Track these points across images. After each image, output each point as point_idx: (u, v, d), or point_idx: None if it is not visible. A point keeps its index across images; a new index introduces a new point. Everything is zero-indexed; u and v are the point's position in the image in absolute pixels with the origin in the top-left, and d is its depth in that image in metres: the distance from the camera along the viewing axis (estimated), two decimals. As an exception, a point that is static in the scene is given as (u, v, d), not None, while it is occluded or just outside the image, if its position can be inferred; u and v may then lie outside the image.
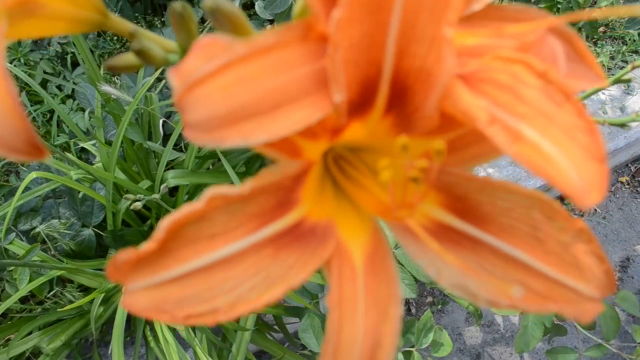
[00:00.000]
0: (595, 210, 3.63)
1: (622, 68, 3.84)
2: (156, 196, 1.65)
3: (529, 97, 0.38)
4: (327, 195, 0.49)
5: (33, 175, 2.26)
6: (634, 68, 1.23)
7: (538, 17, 0.48)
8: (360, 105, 0.40)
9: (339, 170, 0.51)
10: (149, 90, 2.59)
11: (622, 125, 1.17)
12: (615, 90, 3.72)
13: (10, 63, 3.13)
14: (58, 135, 3.05)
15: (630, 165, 3.80)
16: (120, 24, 0.56)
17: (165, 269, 0.38)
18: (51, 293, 2.36)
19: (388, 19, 0.36)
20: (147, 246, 0.37)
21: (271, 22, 3.24)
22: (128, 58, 0.51)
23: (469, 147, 0.46)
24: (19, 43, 3.22)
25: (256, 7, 3.14)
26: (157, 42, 0.55)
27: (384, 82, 0.39)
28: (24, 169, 2.86)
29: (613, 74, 3.88)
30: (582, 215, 3.56)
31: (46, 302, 2.47)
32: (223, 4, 0.42)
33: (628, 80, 1.25)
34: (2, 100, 0.40)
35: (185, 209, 0.37)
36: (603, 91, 3.66)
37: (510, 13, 0.50)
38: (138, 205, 1.60)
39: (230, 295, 0.38)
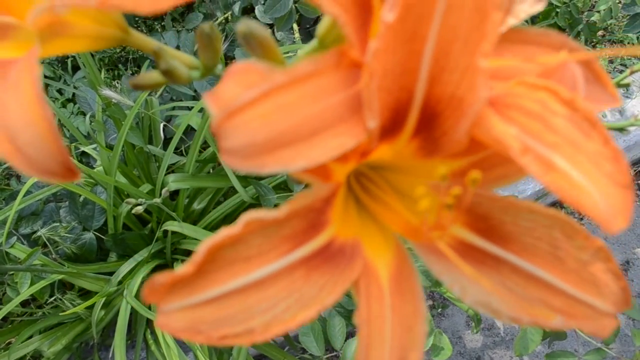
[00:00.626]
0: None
1: (621, 72, 3.87)
2: (157, 200, 1.66)
3: (557, 126, 0.39)
4: (351, 213, 0.51)
5: (34, 179, 2.26)
6: (632, 73, 1.24)
7: (560, 41, 0.50)
8: (390, 129, 0.41)
9: (362, 188, 0.52)
10: (149, 94, 2.59)
11: (621, 130, 1.18)
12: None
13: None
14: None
15: (630, 168, 3.82)
16: (143, 40, 0.56)
17: (202, 290, 0.39)
18: (52, 297, 2.36)
19: (422, 48, 0.37)
20: (184, 269, 0.38)
21: (271, 26, 3.25)
22: (153, 77, 0.52)
23: (494, 169, 0.47)
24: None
25: (256, 11, 3.15)
26: (179, 59, 0.56)
27: (415, 107, 0.40)
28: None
29: (612, 77, 3.90)
30: (582, 219, 3.58)
31: (46, 306, 2.46)
32: (256, 29, 0.43)
33: (627, 85, 1.27)
34: (38, 124, 0.41)
35: (223, 233, 0.38)
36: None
37: (531, 36, 0.51)
38: (139, 209, 1.60)
39: (266, 316, 0.39)
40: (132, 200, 1.54)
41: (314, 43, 0.52)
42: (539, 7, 0.49)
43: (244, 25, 0.43)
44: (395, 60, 0.37)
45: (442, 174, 0.42)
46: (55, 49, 0.53)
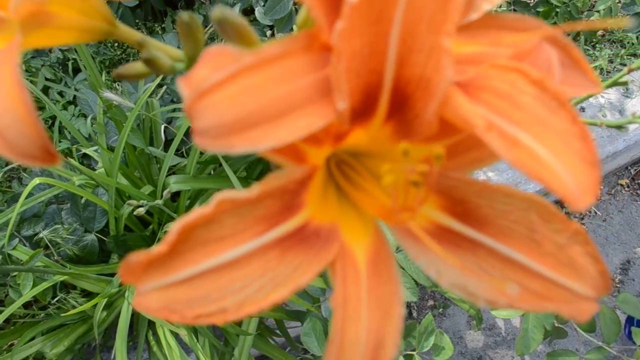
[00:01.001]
0: (596, 212, 3.64)
1: (620, 71, 3.86)
2: (159, 202, 1.67)
3: (525, 104, 0.39)
4: (330, 198, 0.51)
5: (36, 181, 2.28)
6: (630, 71, 1.25)
7: (535, 26, 0.50)
8: (362, 112, 0.42)
9: (342, 175, 0.53)
10: (150, 96, 2.61)
11: (620, 127, 1.18)
12: (614, 94, 3.74)
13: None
14: (60, 142, 3.06)
15: (629, 168, 3.81)
16: (128, 33, 0.57)
17: (176, 270, 0.39)
18: (55, 299, 2.38)
19: (388, 29, 0.38)
20: (158, 249, 0.39)
21: (271, 27, 3.26)
22: (136, 67, 0.52)
23: (468, 152, 0.48)
24: (21, 50, 3.24)
25: (256, 12, 3.16)
26: (163, 50, 0.57)
27: (385, 90, 0.41)
28: (26, 175, 2.87)
29: (612, 77, 3.89)
30: (583, 218, 3.57)
31: (49, 307, 2.48)
32: (230, 14, 0.44)
33: (625, 83, 1.27)
34: (17, 109, 0.42)
35: (195, 213, 0.39)
36: (602, 94, 3.68)
37: (508, 22, 0.51)
38: (141, 211, 1.61)
39: (239, 295, 0.40)
40: (134, 202, 1.55)
41: (294, 31, 0.53)
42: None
43: (218, 11, 0.44)
44: (363, 42, 0.38)
45: (403, 149, 0.43)
46: (39, 40, 0.54)
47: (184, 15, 0.49)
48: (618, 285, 3.34)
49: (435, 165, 0.43)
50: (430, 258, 0.47)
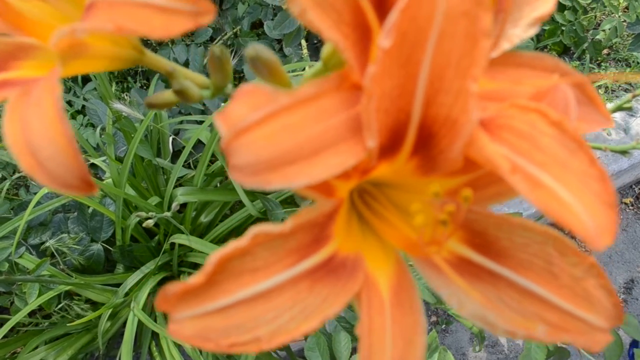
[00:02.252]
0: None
1: (626, 90, 3.88)
2: (168, 214, 1.68)
3: (545, 145, 0.41)
4: (353, 229, 0.53)
5: (45, 190, 2.30)
6: (634, 97, 1.26)
7: (552, 64, 0.52)
8: (389, 148, 0.44)
9: (364, 204, 0.55)
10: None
11: (624, 153, 1.20)
12: (618, 113, 3.76)
13: None
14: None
15: (634, 186, 3.82)
16: (157, 60, 0.59)
17: (211, 300, 0.41)
18: (59, 307, 2.38)
19: (417, 71, 0.39)
20: (195, 279, 0.40)
21: (279, 41, 3.30)
22: (167, 96, 0.54)
23: (489, 187, 0.50)
24: None
25: (265, 27, 3.19)
26: (189, 77, 0.59)
27: (412, 128, 0.43)
28: (34, 183, 2.89)
29: (617, 96, 3.91)
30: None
31: (54, 315, 2.48)
32: (263, 53, 0.46)
33: (629, 108, 1.29)
34: (58, 141, 0.44)
35: (231, 245, 0.40)
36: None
37: (526, 60, 0.53)
38: (150, 222, 1.63)
39: (272, 325, 0.41)
40: (143, 214, 1.57)
41: (319, 65, 0.55)
42: (532, 32, 0.52)
43: (251, 49, 0.46)
44: (392, 84, 0.40)
45: (434, 191, 0.45)
46: (75, 69, 0.56)
47: (215, 49, 0.51)
48: (622, 305, 3.34)
49: (463, 205, 0.45)
50: (452, 289, 0.48)
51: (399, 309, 0.48)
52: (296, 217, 0.43)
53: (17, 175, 2.94)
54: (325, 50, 0.53)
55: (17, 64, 0.56)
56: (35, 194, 2.74)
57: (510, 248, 0.49)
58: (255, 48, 0.46)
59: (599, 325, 0.49)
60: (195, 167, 2.71)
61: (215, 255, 0.40)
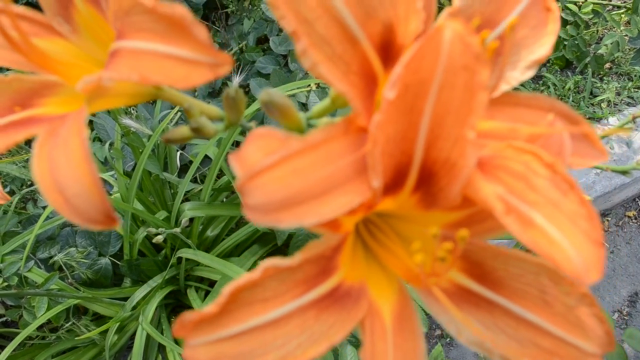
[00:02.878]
0: (604, 244, 3.65)
1: (628, 104, 3.90)
2: (177, 230, 1.71)
3: (539, 186, 0.44)
4: (358, 257, 0.56)
5: (54, 205, 2.33)
6: (635, 118, 1.29)
7: (548, 103, 0.55)
8: (392, 186, 0.47)
9: (368, 233, 0.58)
10: (162, 120, 2.66)
11: (624, 173, 1.23)
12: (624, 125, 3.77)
13: None
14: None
15: (637, 199, 3.83)
16: (174, 95, 0.63)
17: (224, 327, 0.44)
18: (67, 323, 2.41)
19: (419, 119, 0.43)
20: (209, 308, 0.43)
21: (284, 56, 3.34)
22: (183, 131, 0.58)
23: (486, 221, 0.53)
24: None
25: (270, 42, 3.24)
26: (204, 110, 0.62)
27: (414, 168, 0.46)
28: (42, 197, 2.93)
29: (619, 110, 3.92)
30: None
31: (60, 329, 2.51)
32: (276, 97, 0.49)
33: (629, 130, 1.32)
34: (84, 179, 0.47)
35: (244, 278, 0.43)
36: (610, 126, 3.72)
37: (522, 99, 0.57)
38: (160, 238, 1.66)
39: (280, 351, 0.44)
40: (153, 230, 1.60)
41: (327, 101, 0.58)
42: (530, 74, 0.55)
43: (265, 94, 0.49)
44: (396, 130, 0.43)
45: (433, 233, 0.48)
46: (98, 106, 0.60)
47: (230, 90, 0.55)
48: (626, 318, 3.34)
49: (460, 244, 0.48)
50: (450, 317, 0.51)
51: (401, 335, 0.50)
52: (304, 251, 0.46)
53: (25, 189, 2.98)
54: (333, 91, 0.56)
55: (41, 101, 0.60)
56: (43, 207, 2.78)
57: (506, 278, 0.52)
58: (268, 93, 0.49)
59: (591, 351, 0.51)
60: (201, 181, 2.75)
61: (228, 286, 0.43)
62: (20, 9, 0.60)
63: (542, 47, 0.55)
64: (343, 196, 0.42)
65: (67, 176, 0.47)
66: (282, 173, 0.41)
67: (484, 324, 0.51)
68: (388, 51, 0.47)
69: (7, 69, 0.63)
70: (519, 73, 0.55)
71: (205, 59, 0.43)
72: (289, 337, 0.45)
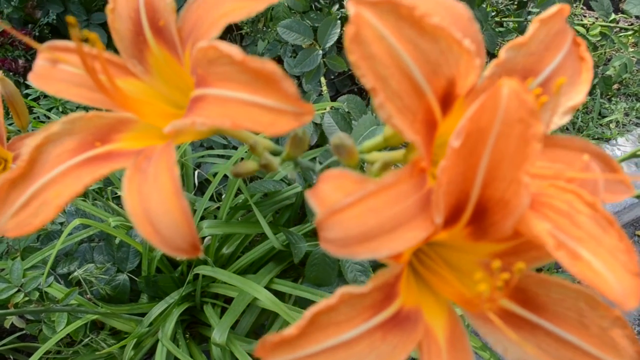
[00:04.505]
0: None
1: (636, 124, 3.96)
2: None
3: (581, 223, 0.50)
4: (411, 284, 0.61)
5: (76, 222, 2.39)
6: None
7: (582, 144, 0.61)
8: (450, 220, 0.53)
9: (418, 262, 0.63)
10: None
11: (638, 197, 1.28)
12: (630, 146, 3.83)
13: (49, 111, 3.29)
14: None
15: (647, 218, 3.87)
16: (240, 133, 0.68)
17: (302, 348, 0.50)
18: (86, 338, 2.45)
19: (478, 163, 0.49)
20: (290, 331, 0.49)
21: (297, 77, 3.41)
22: (250, 166, 0.63)
23: (529, 251, 0.58)
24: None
25: (285, 64, 3.30)
26: (265, 146, 0.68)
27: (470, 205, 0.52)
28: (60, 213, 2.98)
29: (628, 130, 3.96)
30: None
31: (79, 344, 2.55)
32: (346, 140, 0.56)
33: (638, 156, 1.37)
34: (174, 212, 0.53)
35: (322, 303, 0.49)
36: (618, 147, 3.77)
37: (559, 141, 0.63)
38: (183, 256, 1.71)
39: (352, 369, 0.50)
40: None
41: (380, 138, 0.64)
42: (567, 119, 0.61)
43: (337, 138, 0.55)
44: (458, 172, 0.49)
45: (497, 266, 0.54)
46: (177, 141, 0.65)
47: (299, 131, 0.61)
48: (637, 337, 3.36)
49: (516, 275, 0.54)
50: (498, 337, 0.57)
51: (454, 353, 0.56)
52: (374, 279, 0.51)
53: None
54: (386, 131, 0.62)
55: (118, 136, 0.65)
56: (60, 223, 2.83)
57: (547, 303, 0.57)
58: (340, 137, 0.55)
59: (625, 370, 0.57)
60: (217, 199, 2.80)
61: (309, 311, 0.48)
62: (107, 55, 0.66)
63: (578, 95, 0.61)
64: (411, 231, 0.48)
65: (159, 210, 0.52)
66: (359, 212, 0.47)
67: (530, 345, 0.56)
68: (447, 100, 0.53)
69: (64, 102, 0.69)
70: (558, 118, 0.61)
71: (289, 108, 0.49)
72: (360, 356, 0.50)
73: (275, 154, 0.70)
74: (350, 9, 0.47)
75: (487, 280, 0.55)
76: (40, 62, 0.71)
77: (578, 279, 0.47)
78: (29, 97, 2.67)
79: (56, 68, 0.71)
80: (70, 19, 0.59)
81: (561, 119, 0.61)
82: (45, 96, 2.65)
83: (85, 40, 0.63)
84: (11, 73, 3.01)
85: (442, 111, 0.53)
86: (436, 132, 0.53)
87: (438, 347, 0.56)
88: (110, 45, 0.73)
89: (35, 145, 0.62)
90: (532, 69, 0.60)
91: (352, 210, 0.47)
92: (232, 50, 0.51)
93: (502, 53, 0.59)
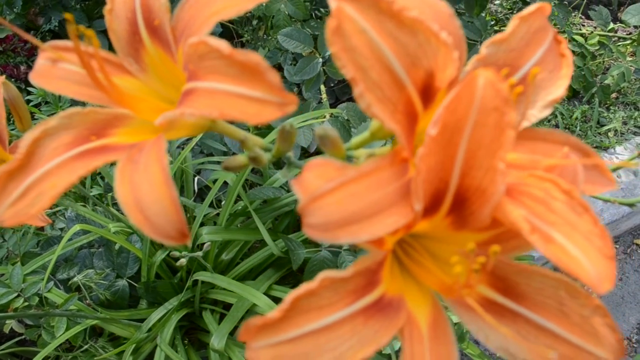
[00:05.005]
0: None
1: (634, 133, 3.97)
2: (199, 254, 1.78)
3: (557, 209, 0.52)
4: (395, 273, 0.63)
5: (76, 227, 2.41)
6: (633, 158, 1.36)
7: (563, 137, 0.63)
8: (430, 209, 0.54)
9: (403, 252, 0.65)
10: (178, 146, 2.75)
11: (632, 205, 1.29)
12: (628, 155, 3.85)
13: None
14: (92, 187, 3.20)
15: (645, 227, 3.87)
16: (229, 128, 0.70)
17: (284, 331, 0.51)
18: (85, 345, 2.46)
19: (456, 152, 0.50)
20: (272, 314, 0.50)
21: (298, 85, 3.43)
22: (240, 160, 0.65)
23: (509, 241, 0.60)
24: (59, 98, 3.43)
25: (285, 71, 3.33)
26: (254, 142, 0.70)
27: (450, 194, 0.54)
28: (61, 218, 3.00)
29: (626, 139, 3.97)
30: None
31: (78, 349, 2.55)
32: (329, 131, 0.57)
33: (635, 165, 1.39)
34: (164, 200, 0.55)
35: (303, 287, 0.50)
36: (617, 156, 3.79)
37: (541, 134, 0.65)
38: (183, 262, 1.73)
39: (333, 353, 0.51)
40: (177, 254, 1.67)
41: (366, 134, 0.66)
42: (547, 112, 0.62)
43: (321, 129, 0.57)
44: (436, 161, 0.50)
45: (471, 248, 0.55)
46: (169, 136, 0.67)
47: (287, 125, 0.63)
48: (635, 346, 3.36)
49: (492, 258, 0.55)
50: (480, 325, 0.58)
51: (436, 340, 0.57)
52: (355, 264, 0.53)
53: (45, 211, 3.04)
54: (373, 125, 0.64)
55: (113, 131, 0.67)
56: (60, 229, 2.85)
57: (528, 291, 0.59)
58: (324, 128, 0.57)
59: (604, 357, 0.58)
60: (216, 206, 2.82)
61: (290, 295, 0.50)
62: (104, 53, 0.69)
63: (558, 89, 0.63)
64: (390, 217, 0.50)
65: (149, 198, 0.54)
66: (339, 197, 0.49)
67: (510, 333, 0.57)
68: (427, 93, 0.55)
69: (83, 103, 0.71)
70: (537, 111, 0.63)
71: (274, 99, 0.50)
72: (342, 340, 0.52)
73: (266, 150, 0.72)
74: (332, 3, 0.49)
75: (463, 263, 0.57)
76: (41, 62, 0.74)
77: (552, 262, 0.48)
78: (31, 104, 2.70)
79: (56, 67, 0.73)
80: (68, 16, 0.61)
81: (541, 112, 0.63)
82: (47, 102, 2.67)
83: (82, 37, 0.65)
84: (13, 79, 3.05)
85: (424, 103, 0.55)
86: (417, 124, 0.55)
87: (420, 334, 0.57)
88: (111, 51, 0.75)
89: (33, 138, 0.64)
90: (512, 64, 0.62)
91: (333, 195, 0.48)
92: (221, 44, 0.53)
93: (483, 49, 0.61)
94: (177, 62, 0.65)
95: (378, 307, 0.55)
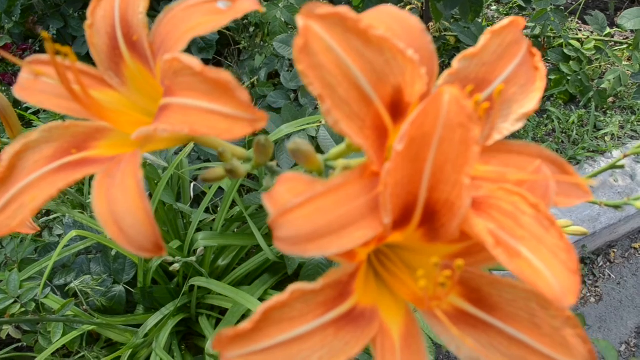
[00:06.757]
0: (610, 275, 3.68)
1: (631, 137, 3.98)
2: (193, 259, 1.79)
3: (524, 223, 0.53)
4: (370, 283, 0.64)
5: (73, 233, 2.42)
6: (626, 157, 1.37)
7: (536, 151, 0.64)
8: (400, 222, 0.55)
9: (379, 263, 0.66)
10: (176, 152, 2.76)
11: (617, 207, 1.30)
12: (626, 159, 3.84)
13: (50, 125, 3.34)
14: (89, 194, 3.21)
15: (643, 230, 3.87)
16: (208, 140, 0.71)
17: (256, 342, 0.52)
18: (83, 350, 2.46)
19: (423, 167, 0.51)
20: (244, 325, 0.51)
21: (294, 91, 3.45)
22: (217, 172, 0.66)
23: (480, 253, 0.61)
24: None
25: (281, 78, 3.35)
26: (235, 152, 0.71)
27: (419, 207, 0.54)
28: (58, 226, 3.01)
29: (623, 143, 3.98)
30: (597, 281, 3.62)
31: (74, 355, 2.56)
32: (302, 145, 0.58)
33: (622, 167, 1.39)
34: (138, 213, 0.55)
35: (274, 299, 0.51)
36: (614, 159, 3.79)
37: (514, 147, 0.65)
38: (177, 266, 1.74)
39: (304, 363, 0.52)
40: (170, 259, 1.68)
41: (343, 146, 0.67)
42: (519, 126, 0.63)
43: (293, 143, 0.58)
44: (404, 175, 0.51)
45: (434, 262, 0.56)
46: (144, 150, 0.68)
47: (261, 138, 0.64)
48: (633, 350, 3.36)
49: (457, 272, 0.56)
50: (451, 336, 0.59)
51: (408, 351, 0.58)
52: (325, 277, 0.54)
53: (42, 219, 3.06)
54: (347, 140, 0.65)
55: (93, 144, 0.69)
56: (58, 235, 2.86)
57: (500, 302, 0.59)
58: (296, 143, 0.58)
59: (576, 368, 0.59)
60: (213, 211, 2.83)
61: (261, 307, 0.51)
62: (81, 66, 0.70)
63: (531, 102, 0.64)
64: (359, 231, 0.51)
65: (124, 210, 0.55)
66: (308, 211, 0.49)
67: (480, 343, 0.58)
68: (397, 108, 0.56)
69: (63, 117, 0.72)
70: (510, 124, 0.64)
71: (244, 115, 0.52)
72: (312, 351, 0.53)
73: (247, 161, 0.73)
74: (300, 21, 0.50)
75: (429, 277, 0.58)
76: (24, 75, 0.75)
77: (516, 276, 0.49)
78: (29, 111, 2.72)
79: (38, 80, 0.74)
80: (44, 34, 0.62)
81: (514, 126, 0.63)
82: (45, 110, 2.69)
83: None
84: (11, 87, 3.07)
85: (394, 118, 0.56)
86: (388, 138, 0.56)
87: (392, 344, 0.58)
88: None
89: (15, 152, 0.65)
90: (484, 78, 0.63)
91: (301, 210, 0.49)
92: (193, 61, 0.54)
93: (455, 63, 0.61)
94: (156, 77, 0.66)
95: (349, 318, 0.56)
